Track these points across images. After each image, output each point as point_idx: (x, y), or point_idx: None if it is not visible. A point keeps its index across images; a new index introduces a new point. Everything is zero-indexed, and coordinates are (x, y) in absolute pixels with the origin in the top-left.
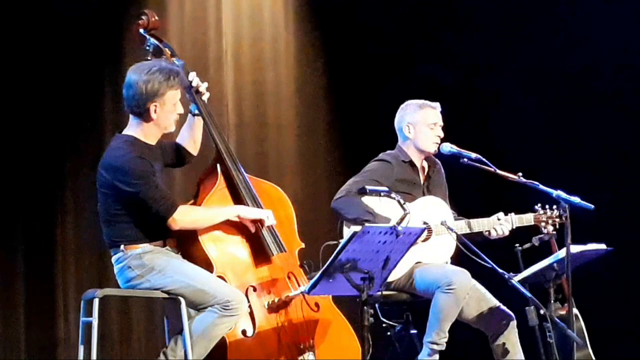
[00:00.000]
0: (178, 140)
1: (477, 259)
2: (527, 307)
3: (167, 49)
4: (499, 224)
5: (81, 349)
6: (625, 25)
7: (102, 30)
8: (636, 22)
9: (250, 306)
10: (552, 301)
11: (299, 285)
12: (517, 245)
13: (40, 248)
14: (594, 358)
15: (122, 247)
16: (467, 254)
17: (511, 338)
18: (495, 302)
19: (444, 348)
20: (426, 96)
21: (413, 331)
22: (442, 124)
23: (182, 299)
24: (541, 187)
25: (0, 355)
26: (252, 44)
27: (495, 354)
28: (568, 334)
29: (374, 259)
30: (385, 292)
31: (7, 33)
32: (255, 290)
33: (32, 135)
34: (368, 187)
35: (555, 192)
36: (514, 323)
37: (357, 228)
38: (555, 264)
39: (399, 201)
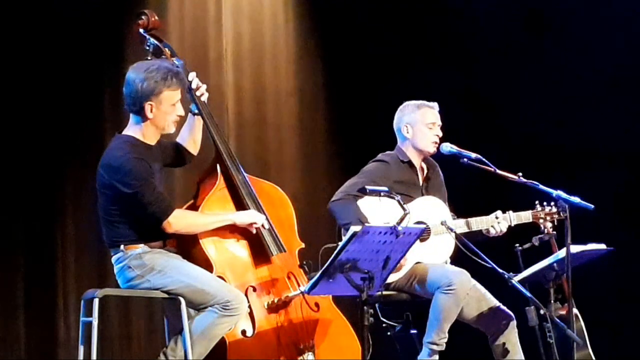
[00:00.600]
0: (178, 140)
1: (477, 259)
2: (527, 307)
3: (167, 49)
4: (497, 222)
5: (81, 349)
6: (622, 26)
7: (102, 30)
8: (633, 22)
9: (250, 306)
10: (552, 301)
11: (298, 285)
12: (517, 245)
13: (40, 248)
14: (594, 358)
15: (122, 247)
16: (467, 253)
17: (511, 338)
18: (495, 302)
19: (443, 348)
20: (426, 96)
21: (413, 331)
22: (440, 123)
23: (182, 299)
24: (541, 187)
25: (0, 354)
26: (252, 44)
27: (495, 354)
28: (568, 334)
29: (374, 259)
30: (385, 292)
31: (7, 33)
32: (255, 290)
33: (32, 135)
34: (368, 187)
35: (555, 192)
36: (513, 323)
37: (357, 228)
38: (555, 264)
39: (398, 201)
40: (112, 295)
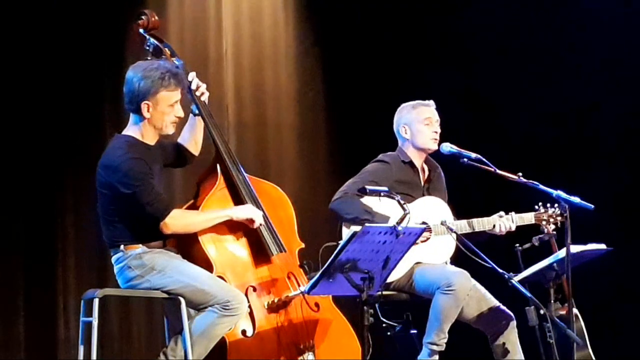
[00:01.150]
0: (179, 140)
1: (477, 259)
2: (527, 307)
3: (166, 49)
4: (501, 220)
5: (81, 349)
6: (623, 25)
7: (102, 30)
8: (633, 21)
9: (250, 306)
10: (552, 301)
11: (299, 285)
12: (517, 245)
13: (40, 248)
14: (594, 358)
15: (122, 247)
16: (467, 254)
17: (511, 338)
18: (495, 302)
19: (443, 349)
20: (426, 96)
21: (413, 331)
22: (438, 119)
23: (182, 299)
24: (541, 187)
25: (0, 355)
26: (252, 44)
27: (495, 354)
28: (568, 334)
29: (374, 259)
30: (385, 292)
31: (7, 33)
32: (255, 290)
33: (32, 135)
34: (368, 187)
35: (555, 192)
36: (513, 323)
37: (357, 228)
38: (555, 264)
39: (398, 201)
40: (112, 295)
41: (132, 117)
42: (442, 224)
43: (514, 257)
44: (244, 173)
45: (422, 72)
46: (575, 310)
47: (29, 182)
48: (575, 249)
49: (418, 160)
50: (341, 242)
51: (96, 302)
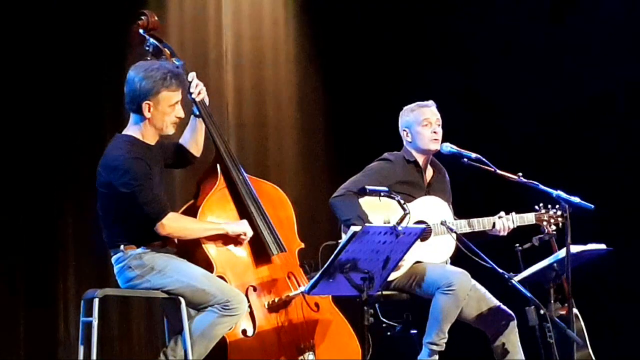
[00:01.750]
0: (180, 141)
1: (477, 259)
2: (527, 307)
3: (166, 49)
4: (501, 221)
5: (81, 349)
6: (623, 25)
7: (102, 30)
8: (633, 22)
9: (250, 306)
10: (552, 301)
11: (299, 285)
12: (517, 245)
13: (40, 248)
14: (594, 358)
15: (121, 247)
16: (467, 253)
17: (511, 338)
18: (495, 302)
19: (443, 349)
20: (426, 96)
21: (413, 331)
22: (437, 119)
23: (182, 299)
24: (541, 187)
25: (0, 355)
26: (252, 44)
27: (496, 354)
28: (568, 334)
29: (374, 259)
30: (385, 292)
31: (7, 33)
32: (255, 290)
33: (32, 135)
34: (368, 187)
35: (555, 192)
36: (514, 323)
37: (357, 228)
38: (555, 264)
39: (398, 201)
40: (112, 295)
41: (132, 117)
42: (442, 223)
43: (514, 257)
44: (244, 173)
45: (422, 72)
46: (575, 310)
47: (29, 182)
48: (575, 249)
49: (422, 161)
50: (341, 241)
51: (96, 302)
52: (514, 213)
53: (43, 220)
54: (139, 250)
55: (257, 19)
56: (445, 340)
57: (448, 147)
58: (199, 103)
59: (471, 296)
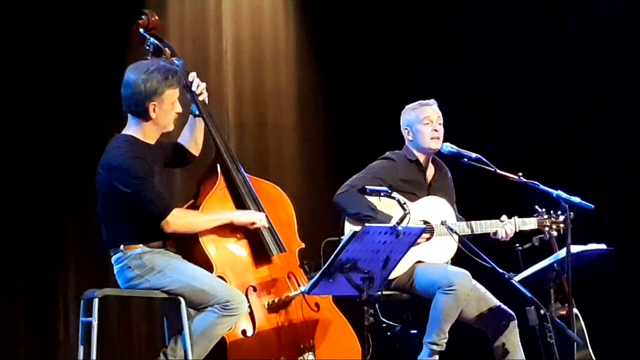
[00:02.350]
0: (179, 141)
1: (477, 259)
2: (527, 307)
3: (167, 49)
4: (502, 226)
5: (81, 349)
6: (623, 26)
7: (103, 31)
8: (632, 22)
9: (250, 306)
10: (552, 301)
11: (299, 285)
12: (517, 245)
13: (40, 248)
14: (594, 358)
15: (121, 247)
16: (467, 254)
17: (512, 338)
18: (495, 302)
19: (443, 348)
20: (426, 96)
21: (413, 331)
22: (439, 117)
23: (182, 299)
24: (541, 187)
25: (0, 355)
26: (252, 44)
27: (496, 354)
28: (568, 334)
29: (374, 258)
30: (385, 292)
31: (7, 33)
32: (255, 290)
33: (32, 134)
34: (368, 187)
35: (555, 192)
36: (514, 323)
37: (357, 227)
38: (555, 264)
39: (398, 201)
40: (112, 295)
41: (130, 117)
42: (442, 224)
43: (514, 257)
44: (244, 173)
45: (422, 72)
46: (575, 310)
47: (29, 182)
48: (575, 249)
49: (424, 160)
50: (343, 238)
51: (96, 302)
52: (516, 217)
53: (43, 220)
54: (139, 250)
55: (257, 19)
56: (446, 340)
57: (448, 147)
58: (199, 103)
59: (471, 296)
